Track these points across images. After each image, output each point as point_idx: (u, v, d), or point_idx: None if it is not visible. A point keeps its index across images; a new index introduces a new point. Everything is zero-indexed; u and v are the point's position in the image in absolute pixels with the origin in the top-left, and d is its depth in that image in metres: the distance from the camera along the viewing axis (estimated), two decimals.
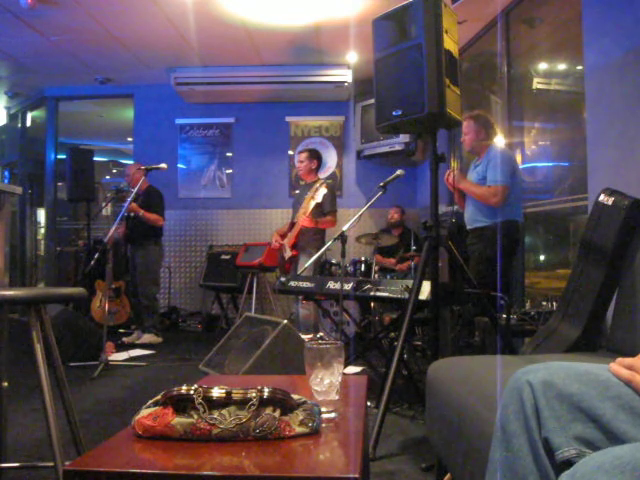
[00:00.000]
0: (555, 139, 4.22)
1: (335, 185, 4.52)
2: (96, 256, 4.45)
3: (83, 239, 5.89)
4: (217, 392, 0.99)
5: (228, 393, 0.99)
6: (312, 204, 4.04)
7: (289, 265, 4.24)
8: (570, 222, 3.74)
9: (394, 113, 2.39)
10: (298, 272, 4.02)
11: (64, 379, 1.66)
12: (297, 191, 6.47)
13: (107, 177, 9.25)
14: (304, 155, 4.57)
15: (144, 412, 1.01)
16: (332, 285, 3.12)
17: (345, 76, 5.82)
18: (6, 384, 1.69)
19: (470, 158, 3.98)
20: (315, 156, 4.59)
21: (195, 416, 0.97)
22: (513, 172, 3.24)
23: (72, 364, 3.84)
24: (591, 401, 0.81)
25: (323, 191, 3.96)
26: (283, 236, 4.44)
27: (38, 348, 1.49)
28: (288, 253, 4.23)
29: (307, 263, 3.53)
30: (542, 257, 4.36)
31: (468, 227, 3.43)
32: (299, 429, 0.99)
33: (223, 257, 5.80)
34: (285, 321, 2.65)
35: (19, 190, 1.96)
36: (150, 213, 4.79)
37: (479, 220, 3.33)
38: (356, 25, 4.66)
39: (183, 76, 5.87)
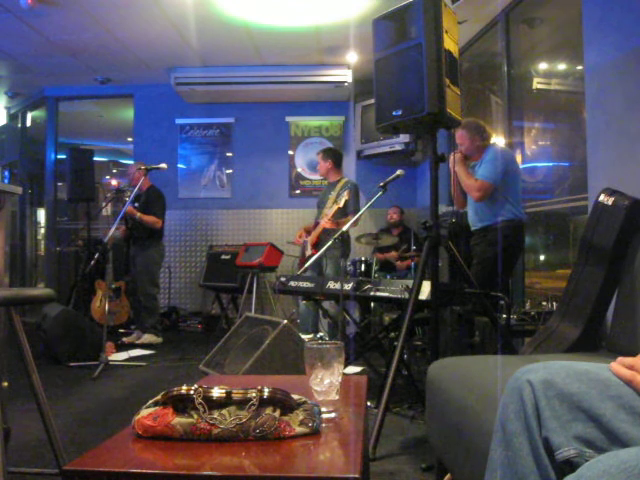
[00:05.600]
0: (555, 139, 4.22)
1: (358, 188, 4.52)
2: (96, 256, 4.44)
3: (83, 239, 5.88)
4: (217, 392, 0.99)
5: (228, 393, 0.99)
6: (334, 209, 4.06)
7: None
8: (570, 222, 3.74)
9: (394, 113, 2.39)
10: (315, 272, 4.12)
11: (39, 385, 1.61)
12: (297, 191, 6.49)
13: (107, 177, 9.24)
14: (319, 157, 4.62)
15: (144, 412, 1.01)
16: (332, 285, 3.11)
17: (345, 76, 5.82)
18: (6, 384, 1.69)
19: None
20: (329, 155, 4.59)
21: (195, 416, 0.97)
22: (505, 171, 3.20)
23: (72, 364, 3.84)
24: (591, 401, 0.81)
25: (346, 197, 3.93)
26: (309, 232, 4.48)
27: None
28: (309, 251, 4.27)
29: (307, 263, 3.53)
30: (542, 257, 4.36)
31: (472, 228, 3.43)
32: (299, 429, 0.99)
33: (223, 257, 5.79)
34: (285, 321, 2.64)
35: (19, 190, 1.96)
36: (147, 215, 4.78)
37: (481, 220, 3.33)
38: (356, 25, 4.66)
39: (183, 76, 5.87)
